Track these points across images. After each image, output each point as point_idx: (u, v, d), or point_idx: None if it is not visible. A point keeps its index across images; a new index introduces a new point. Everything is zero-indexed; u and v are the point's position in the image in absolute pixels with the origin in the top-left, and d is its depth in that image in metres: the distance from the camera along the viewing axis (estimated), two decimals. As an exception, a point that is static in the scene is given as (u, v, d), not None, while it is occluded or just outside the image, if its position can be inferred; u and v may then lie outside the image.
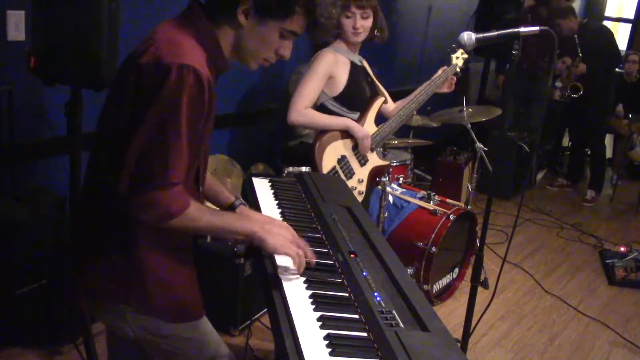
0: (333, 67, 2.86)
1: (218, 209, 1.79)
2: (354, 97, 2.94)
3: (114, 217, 1.53)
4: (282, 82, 4.33)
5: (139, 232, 1.54)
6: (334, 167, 2.87)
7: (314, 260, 1.63)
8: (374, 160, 3.01)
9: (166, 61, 1.40)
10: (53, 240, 2.72)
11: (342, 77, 2.89)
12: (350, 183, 2.90)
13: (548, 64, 5.56)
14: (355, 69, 2.94)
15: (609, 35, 5.52)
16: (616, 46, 5.66)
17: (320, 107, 2.92)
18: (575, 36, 5.38)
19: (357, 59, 2.99)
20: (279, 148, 4.18)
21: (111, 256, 1.57)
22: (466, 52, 2.98)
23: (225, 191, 1.92)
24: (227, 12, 1.51)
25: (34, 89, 2.75)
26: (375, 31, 2.93)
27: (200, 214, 1.53)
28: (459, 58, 3.07)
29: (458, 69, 3.07)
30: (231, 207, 1.88)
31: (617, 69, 5.93)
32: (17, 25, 2.81)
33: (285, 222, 1.75)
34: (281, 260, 1.57)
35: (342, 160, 2.90)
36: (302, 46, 4.11)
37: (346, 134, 2.90)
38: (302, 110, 2.82)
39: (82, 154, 2.50)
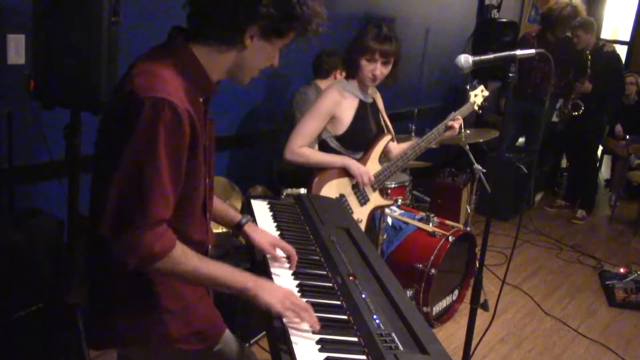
0: (336, 107, 2.80)
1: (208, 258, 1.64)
2: (357, 138, 2.88)
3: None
4: (281, 104, 4.35)
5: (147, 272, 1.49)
6: (353, 219, 2.75)
7: (317, 327, 1.49)
8: (376, 199, 2.95)
9: (140, 95, 1.36)
10: (51, 263, 2.71)
11: (346, 118, 2.83)
12: None
13: (553, 87, 5.59)
14: (362, 108, 2.88)
15: (618, 61, 5.57)
16: (623, 73, 5.72)
17: (321, 143, 2.88)
18: (588, 52, 5.42)
19: (368, 96, 2.92)
20: (278, 170, 4.18)
21: (125, 300, 1.54)
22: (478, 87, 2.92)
23: (230, 210, 1.91)
24: (232, 38, 1.49)
25: (33, 111, 2.76)
26: (387, 78, 2.86)
27: (187, 258, 1.47)
28: (477, 96, 3.04)
29: (476, 107, 3.03)
30: (238, 225, 1.88)
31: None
32: (17, 49, 2.83)
33: (290, 290, 1.60)
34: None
35: (339, 199, 2.84)
36: (302, 68, 4.15)
37: (345, 172, 2.85)
38: (297, 150, 2.79)
39: (80, 176, 2.50)
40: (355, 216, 2.88)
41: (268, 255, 1.83)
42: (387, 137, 2.97)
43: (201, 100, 1.53)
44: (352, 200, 2.87)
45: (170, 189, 1.41)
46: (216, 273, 1.51)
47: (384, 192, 3.01)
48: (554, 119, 6.35)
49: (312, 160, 2.83)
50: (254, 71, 1.59)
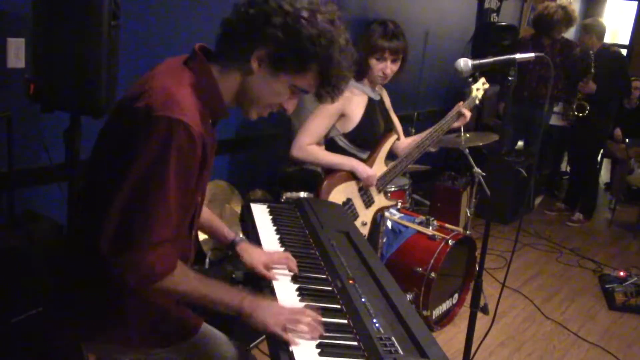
0: (346, 105, 2.77)
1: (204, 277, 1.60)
2: (366, 136, 2.86)
3: (91, 258, 1.42)
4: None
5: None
6: (354, 223, 2.73)
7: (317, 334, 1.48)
8: (380, 201, 2.94)
9: (157, 114, 1.34)
10: (50, 267, 2.70)
11: (356, 116, 2.80)
12: None
13: (550, 91, 5.61)
14: (371, 105, 2.86)
15: (623, 64, 5.57)
16: (628, 76, 5.72)
17: (329, 141, 2.85)
18: (592, 53, 5.43)
19: (376, 93, 2.92)
20: (278, 174, 4.18)
21: (89, 294, 1.53)
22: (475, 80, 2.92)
23: (225, 228, 1.90)
24: (240, 56, 1.47)
25: (33, 115, 2.76)
26: (397, 75, 2.87)
27: (187, 279, 1.47)
28: (479, 90, 3.03)
29: (477, 102, 3.02)
30: (232, 245, 1.87)
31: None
32: (17, 53, 2.83)
33: (282, 306, 1.58)
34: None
35: (347, 203, 2.82)
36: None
37: (353, 175, 2.83)
38: (305, 147, 2.76)
39: (80, 181, 2.50)
40: (361, 219, 2.88)
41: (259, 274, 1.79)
42: (393, 137, 2.94)
43: (210, 122, 1.52)
44: (358, 203, 2.87)
45: (175, 210, 1.39)
46: (213, 294, 1.51)
47: (385, 194, 3.00)
48: (555, 122, 6.36)
49: (320, 159, 2.81)
50: (260, 104, 1.55)
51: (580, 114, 5.55)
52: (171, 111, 1.34)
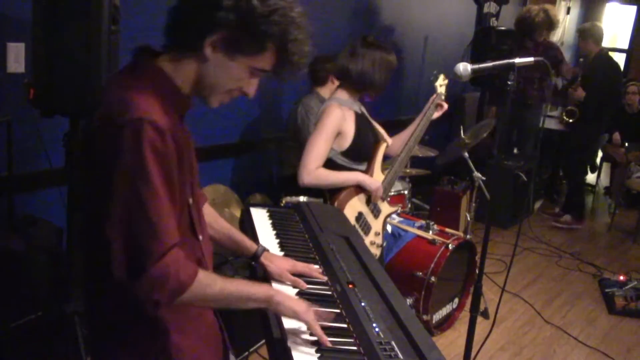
0: (341, 123, 2.78)
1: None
2: (361, 149, 2.87)
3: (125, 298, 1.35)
4: (280, 112, 4.35)
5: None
6: (354, 226, 2.75)
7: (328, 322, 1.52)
8: (385, 209, 2.96)
9: (118, 120, 1.28)
10: (50, 272, 2.70)
11: (350, 132, 2.81)
12: (369, 239, 2.84)
13: (537, 91, 5.64)
14: (359, 118, 2.87)
15: (613, 70, 5.57)
16: (619, 85, 5.72)
17: (328, 162, 2.83)
18: (581, 59, 5.45)
19: (358, 107, 2.93)
20: (277, 178, 4.19)
21: (136, 341, 1.44)
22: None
23: (246, 240, 1.85)
24: (192, 43, 1.39)
25: (33, 120, 2.76)
26: None
27: (212, 280, 1.41)
28: (442, 86, 3.10)
29: (443, 97, 3.08)
30: (255, 255, 1.83)
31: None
32: (17, 57, 2.83)
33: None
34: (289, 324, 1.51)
35: (359, 217, 2.82)
36: (304, 73, 4.16)
37: (359, 188, 2.83)
38: (314, 172, 2.73)
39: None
40: (374, 230, 2.89)
41: (288, 283, 1.76)
42: (384, 145, 2.97)
43: (177, 117, 1.45)
44: (369, 216, 2.88)
45: (170, 208, 1.34)
46: (241, 288, 1.47)
47: (387, 200, 3.03)
48: (555, 126, 6.37)
49: (330, 180, 2.79)
50: (219, 91, 1.46)
51: (570, 119, 5.56)
52: (130, 114, 1.28)
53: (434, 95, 3.04)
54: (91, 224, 1.41)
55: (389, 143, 3.04)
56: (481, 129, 4.17)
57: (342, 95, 2.86)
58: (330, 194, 2.83)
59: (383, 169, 2.95)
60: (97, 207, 1.33)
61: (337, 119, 2.77)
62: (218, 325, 1.64)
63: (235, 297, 1.45)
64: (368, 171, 2.89)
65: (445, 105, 3.05)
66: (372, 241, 2.86)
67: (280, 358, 1.40)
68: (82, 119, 2.40)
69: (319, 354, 1.41)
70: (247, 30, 1.36)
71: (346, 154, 2.84)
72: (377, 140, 2.97)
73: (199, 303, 1.43)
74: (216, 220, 1.83)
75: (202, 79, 1.43)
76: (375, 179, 2.87)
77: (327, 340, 1.45)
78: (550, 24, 5.54)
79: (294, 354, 1.40)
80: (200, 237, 1.52)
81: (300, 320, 1.48)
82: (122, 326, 1.44)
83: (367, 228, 2.85)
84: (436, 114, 3.04)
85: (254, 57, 1.41)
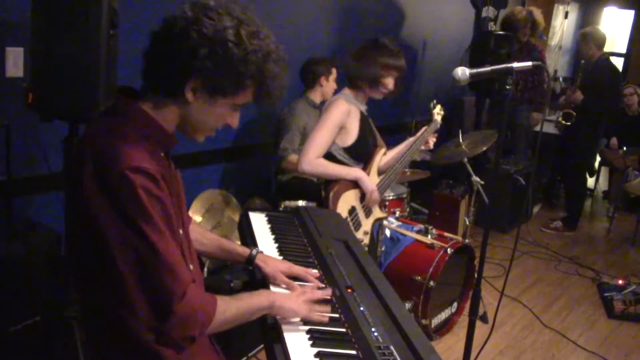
0: (346, 118, 2.83)
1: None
2: (362, 149, 2.92)
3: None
4: (276, 117, 4.35)
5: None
6: (346, 218, 2.79)
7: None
8: (377, 211, 3.00)
9: (110, 173, 1.28)
10: (48, 276, 2.70)
11: (354, 129, 2.86)
12: (357, 236, 2.84)
13: (521, 92, 5.65)
14: (364, 119, 2.92)
15: (612, 74, 5.57)
16: (618, 87, 5.72)
17: (328, 155, 2.88)
18: (582, 62, 5.47)
19: (365, 108, 2.97)
20: (274, 182, 4.19)
21: None
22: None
23: (237, 247, 1.87)
24: (172, 89, 1.39)
25: (31, 124, 2.76)
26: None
27: (227, 304, 1.45)
28: (439, 114, 3.19)
29: (439, 126, 3.17)
30: (249, 259, 1.84)
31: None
32: (15, 62, 2.83)
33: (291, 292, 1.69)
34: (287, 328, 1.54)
35: (352, 211, 2.86)
36: (292, 82, 4.16)
37: (355, 184, 2.87)
38: (314, 160, 2.78)
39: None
40: (364, 228, 2.92)
41: (283, 286, 1.77)
42: (382, 151, 3.03)
43: (162, 154, 1.46)
44: (361, 213, 2.91)
45: (176, 248, 1.36)
46: (249, 303, 1.52)
47: (381, 204, 3.04)
48: (552, 130, 6.37)
49: (329, 171, 2.84)
50: (205, 129, 1.48)
51: (568, 123, 5.57)
52: (121, 164, 1.28)
53: (425, 127, 3.12)
54: (83, 268, 1.39)
55: (385, 150, 3.06)
56: (482, 141, 4.15)
57: (350, 93, 2.90)
58: (327, 183, 2.86)
59: (378, 175, 2.99)
60: (97, 262, 1.32)
61: (342, 113, 2.81)
62: (208, 339, 1.64)
63: (248, 313, 1.51)
64: (365, 172, 2.93)
65: (432, 143, 3.17)
66: (360, 239, 2.88)
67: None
68: (81, 124, 2.40)
69: (317, 359, 1.41)
70: (225, 73, 1.37)
71: (347, 150, 2.88)
72: (376, 144, 3.01)
73: (219, 329, 1.45)
74: (203, 235, 1.85)
75: (185, 120, 1.45)
76: (372, 181, 2.92)
77: (326, 318, 1.58)
78: (534, 22, 5.59)
79: (292, 358, 1.40)
80: (191, 267, 1.51)
81: (301, 318, 1.56)
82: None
83: (357, 224, 2.88)
84: (423, 147, 3.13)
85: (234, 96, 1.43)
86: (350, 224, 2.83)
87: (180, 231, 1.47)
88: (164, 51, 1.37)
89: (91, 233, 1.30)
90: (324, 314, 1.60)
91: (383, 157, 3.09)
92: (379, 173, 3.03)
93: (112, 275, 1.29)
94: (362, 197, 2.90)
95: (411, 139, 3.09)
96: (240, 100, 1.44)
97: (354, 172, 2.87)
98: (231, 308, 1.45)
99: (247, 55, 1.36)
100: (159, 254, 1.30)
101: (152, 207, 1.30)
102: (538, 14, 5.61)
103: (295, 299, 1.60)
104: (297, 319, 1.57)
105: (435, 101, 3.18)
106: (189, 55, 1.34)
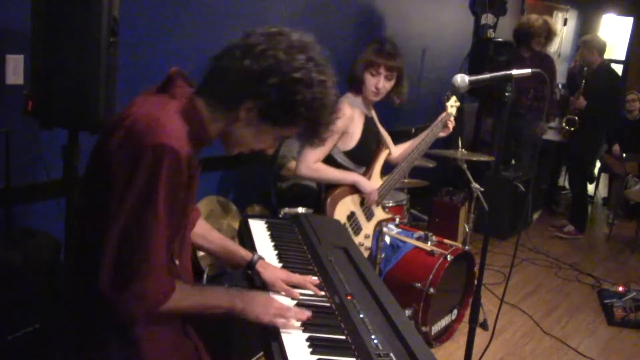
0: (349, 122, 2.83)
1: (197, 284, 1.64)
2: (364, 153, 2.92)
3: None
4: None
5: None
6: (344, 225, 2.81)
7: (304, 317, 1.60)
8: (379, 214, 3.00)
9: (143, 140, 1.33)
10: (47, 284, 2.69)
11: (356, 133, 2.87)
12: (358, 239, 2.87)
13: (531, 101, 5.66)
14: (368, 122, 2.92)
15: (615, 82, 5.59)
16: (620, 94, 5.74)
17: (329, 159, 2.88)
18: (585, 69, 5.49)
19: (370, 111, 2.97)
20: (274, 189, 4.18)
21: (106, 344, 1.48)
22: (459, 95, 3.03)
23: (241, 250, 1.89)
24: (230, 103, 1.44)
25: (31, 132, 2.76)
26: (392, 93, 2.92)
27: (185, 294, 1.47)
28: (453, 107, 3.12)
29: (453, 118, 3.11)
30: (250, 263, 1.85)
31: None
32: (15, 69, 2.84)
33: (268, 295, 1.71)
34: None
35: (351, 216, 2.87)
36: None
37: (354, 189, 2.88)
38: (313, 165, 2.79)
39: (77, 198, 2.50)
40: (364, 232, 2.92)
41: (282, 293, 1.78)
42: (386, 151, 3.02)
43: (195, 147, 1.48)
44: (361, 217, 2.92)
45: (167, 233, 1.38)
46: (208, 301, 1.54)
47: (383, 208, 3.04)
48: (552, 137, 6.38)
49: (327, 175, 2.85)
50: (242, 147, 1.54)
51: (572, 128, 5.58)
52: (156, 137, 1.33)
53: (444, 114, 3.06)
54: (87, 232, 1.46)
55: (391, 151, 3.07)
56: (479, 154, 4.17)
57: (356, 96, 2.91)
58: (326, 189, 2.87)
59: (382, 176, 2.98)
60: (99, 215, 1.37)
61: (345, 118, 2.82)
62: (185, 334, 1.66)
63: (202, 308, 1.53)
64: (366, 174, 2.94)
65: (451, 127, 3.08)
66: (361, 242, 2.90)
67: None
68: (81, 131, 2.40)
69: (317, 366, 1.41)
70: (284, 108, 1.41)
71: (349, 154, 2.89)
72: (379, 145, 3.01)
73: (172, 312, 1.48)
74: (210, 232, 1.88)
75: (230, 133, 1.50)
76: (372, 183, 2.91)
77: (290, 323, 1.56)
78: (549, 32, 5.59)
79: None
80: (177, 262, 1.55)
81: (265, 324, 1.55)
82: (96, 336, 1.48)
83: (357, 229, 2.89)
84: (442, 133, 3.08)
85: (282, 128, 1.47)
86: (350, 229, 2.83)
87: (185, 221, 1.52)
88: (236, 63, 1.40)
89: (107, 184, 1.35)
90: (293, 320, 1.58)
91: (396, 151, 3.11)
92: (394, 164, 3.05)
93: (106, 226, 1.35)
94: (362, 201, 2.91)
95: (424, 133, 3.06)
96: (286, 133, 1.50)
97: (351, 176, 2.88)
98: (187, 300, 1.48)
99: (311, 100, 1.41)
100: (143, 232, 1.34)
101: (164, 188, 1.33)
102: (553, 23, 5.63)
103: (267, 309, 1.58)
104: (298, 324, 1.57)
105: (449, 92, 3.07)
106: (258, 78, 1.38)
